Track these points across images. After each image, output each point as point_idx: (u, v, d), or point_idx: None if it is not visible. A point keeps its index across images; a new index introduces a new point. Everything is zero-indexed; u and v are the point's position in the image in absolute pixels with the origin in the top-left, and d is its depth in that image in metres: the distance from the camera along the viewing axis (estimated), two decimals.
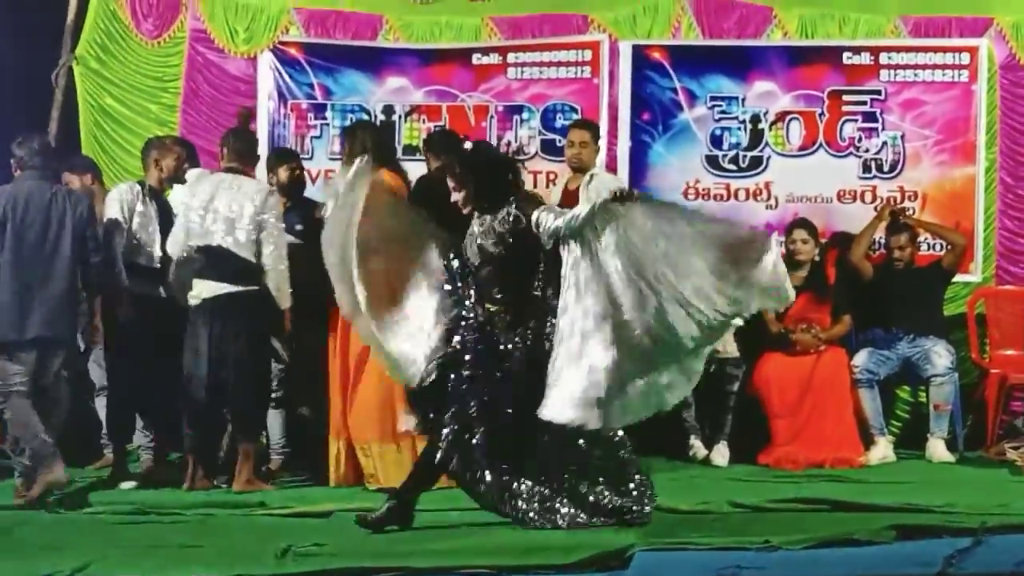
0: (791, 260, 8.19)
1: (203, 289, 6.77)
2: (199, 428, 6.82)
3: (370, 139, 6.99)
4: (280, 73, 9.08)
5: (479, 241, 5.57)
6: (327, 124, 9.05)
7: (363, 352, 6.62)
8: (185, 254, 6.83)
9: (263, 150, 8.68)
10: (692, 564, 4.65)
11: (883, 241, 8.51)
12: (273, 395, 7.28)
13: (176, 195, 7.16)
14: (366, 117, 8.94)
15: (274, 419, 7.41)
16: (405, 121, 9.05)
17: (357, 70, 9.11)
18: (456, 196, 5.67)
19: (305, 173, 8.07)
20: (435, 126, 8.96)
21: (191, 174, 7.14)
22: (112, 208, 7.03)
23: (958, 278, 8.57)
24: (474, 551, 4.91)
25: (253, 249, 6.76)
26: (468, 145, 5.84)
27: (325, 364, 6.96)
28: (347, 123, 8.90)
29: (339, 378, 6.82)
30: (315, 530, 5.37)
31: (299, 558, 4.78)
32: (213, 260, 6.75)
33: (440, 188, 7.60)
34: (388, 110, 9.07)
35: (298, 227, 7.40)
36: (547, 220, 5.42)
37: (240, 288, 6.75)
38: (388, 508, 5.45)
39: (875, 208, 8.61)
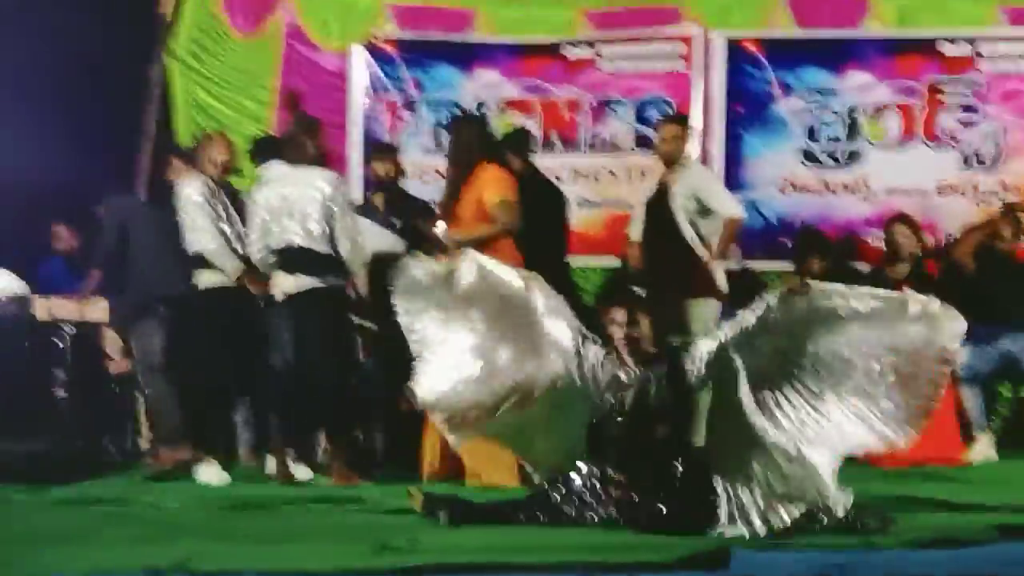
0: (893, 255, 8.10)
1: (285, 284, 6.80)
2: (287, 423, 6.85)
3: (475, 134, 6.96)
4: (373, 68, 9.11)
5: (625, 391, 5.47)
6: (420, 119, 9.06)
7: None
8: (262, 254, 6.87)
9: (358, 146, 8.81)
10: (792, 564, 4.57)
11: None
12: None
13: (252, 195, 7.14)
14: (458, 112, 8.95)
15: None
16: (498, 115, 9.03)
17: (449, 64, 9.13)
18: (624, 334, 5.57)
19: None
20: (527, 119, 8.94)
21: (265, 169, 7.13)
22: (196, 199, 7.06)
23: None
24: (571, 548, 4.88)
25: (327, 240, 6.77)
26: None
27: None
28: (440, 118, 8.95)
29: None
30: (410, 527, 5.35)
31: (395, 553, 4.77)
32: (290, 256, 6.78)
33: (529, 190, 7.69)
34: (480, 105, 9.06)
35: (393, 220, 7.43)
36: (700, 353, 5.32)
37: (321, 282, 6.77)
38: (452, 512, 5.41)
39: (978, 203, 8.47)
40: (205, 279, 7.04)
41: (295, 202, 6.78)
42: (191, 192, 7.05)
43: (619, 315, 5.62)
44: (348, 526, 5.52)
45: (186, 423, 7.21)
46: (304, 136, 6.99)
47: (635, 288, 7.41)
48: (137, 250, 7.58)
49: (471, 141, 6.90)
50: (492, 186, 6.81)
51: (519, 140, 8.08)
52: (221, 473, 6.96)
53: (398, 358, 7.19)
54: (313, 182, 6.82)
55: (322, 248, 6.76)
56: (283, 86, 9.11)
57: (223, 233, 7.00)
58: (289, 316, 6.81)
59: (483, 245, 6.61)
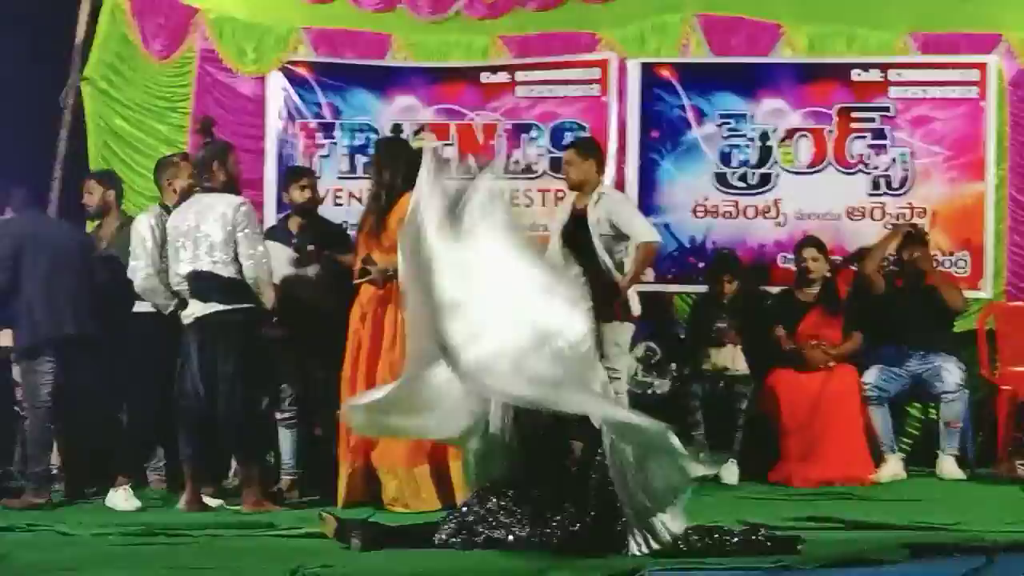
0: (803, 277, 8.22)
1: (195, 308, 6.79)
2: (194, 448, 6.82)
3: (403, 157, 6.98)
4: (289, 92, 9.09)
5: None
6: (335, 143, 9.05)
7: (387, 376, 6.64)
8: (175, 280, 6.85)
9: (274, 170, 8.79)
10: None
11: (894, 258, 8.48)
12: (285, 415, 7.28)
13: (169, 222, 7.08)
14: (375, 136, 8.97)
15: (285, 439, 7.41)
16: (413, 139, 9.04)
17: (366, 89, 9.12)
18: None
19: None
20: (443, 144, 8.97)
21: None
22: (142, 230, 7.04)
23: (969, 294, 8.56)
24: (486, 571, 4.90)
25: (236, 265, 6.76)
26: None
27: (338, 386, 6.94)
28: (356, 143, 8.96)
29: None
30: (323, 551, 5.33)
31: None
32: (200, 282, 6.77)
33: None
34: (396, 128, 9.07)
35: (310, 247, 7.42)
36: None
37: (229, 307, 6.75)
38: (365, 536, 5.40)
39: (886, 225, 8.62)
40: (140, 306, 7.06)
41: (201, 228, 6.76)
42: (139, 222, 7.09)
43: None
44: (260, 552, 5.48)
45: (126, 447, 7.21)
46: (214, 162, 6.95)
47: None
48: (28, 284, 7.21)
49: (398, 165, 6.91)
50: None
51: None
52: (131, 499, 6.92)
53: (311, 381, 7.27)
54: (217, 207, 6.81)
55: (228, 272, 6.74)
56: (197, 111, 9.05)
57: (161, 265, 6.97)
58: (196, 340, 6.77)
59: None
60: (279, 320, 7.09)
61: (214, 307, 6.75)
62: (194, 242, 6.77)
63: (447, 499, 6.57)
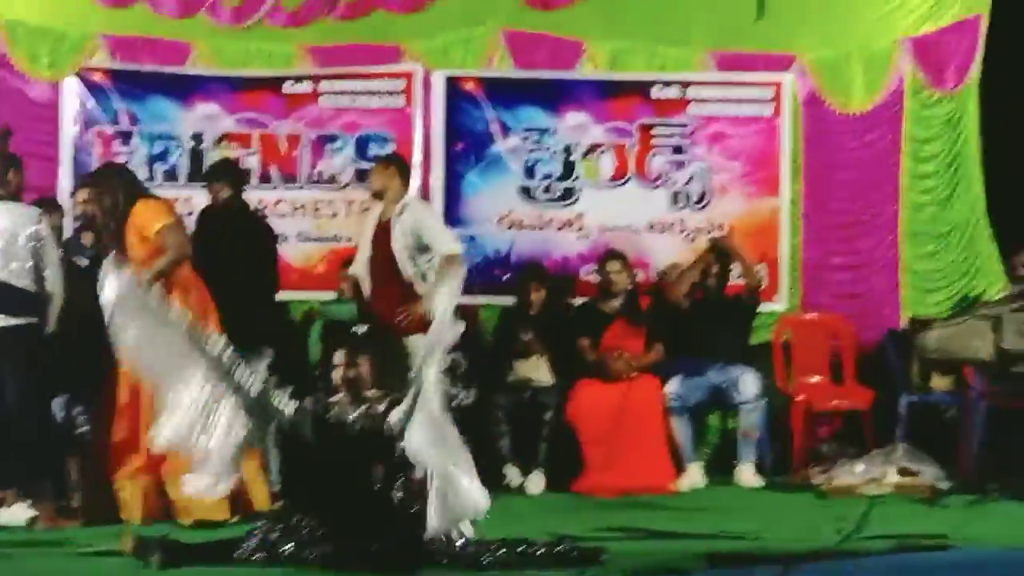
0: (606, 290, 8.33)
1: None
2: None
3: (119, 184, 6.88)
4: (84, 99, 8.85)
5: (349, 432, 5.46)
6: (132, 152, 8.84)
7: None
8: None
9: (67, 178, 8.55)
10: None
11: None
12: (82, 429, 7.06)
13: None
14: (174, 145, 8.81)
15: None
16: (215, 149, 8.90)
17: (165, 96, 8.94)
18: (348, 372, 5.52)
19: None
20: (246, 153, 8.85)
21: None
22: None
23: (765, 307, 8.78)
24: None
25: (31, 277, 6.56)
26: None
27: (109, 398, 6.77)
28: (155, 151, 8.78)
29: (140, 414, 6.64)
30: (120, 569, 5.20)
31: None
32: None
33: (230, 221, 7.66)
34: (197, 137, 8.92)
35: (88, 252, 7.24)
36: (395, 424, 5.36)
37: (18, 321, 6.55)
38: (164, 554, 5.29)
39: (687, 238, 8.81)
40: None
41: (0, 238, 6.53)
42: None
43: (339, 357, 5.59)
44: (55, 571, 5.32)
45: None
46: (9, 171, 6.74)
47: (354, 328, 7.41)
48: None
49: (115, 188, 6.82)
50: (148, 217, 6.74)
51: (224, 169, 7.99)
52: None
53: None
54: (20, 218, 6.60)
55: (24, 284, 6.53)
56: None
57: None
58: None
59: (165, 278, 6.59)
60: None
61: (3, 320, 6.51)
62: None
63: (236, 507, 6.50)
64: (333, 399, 5.54)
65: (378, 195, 7.74)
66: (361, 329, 7.07)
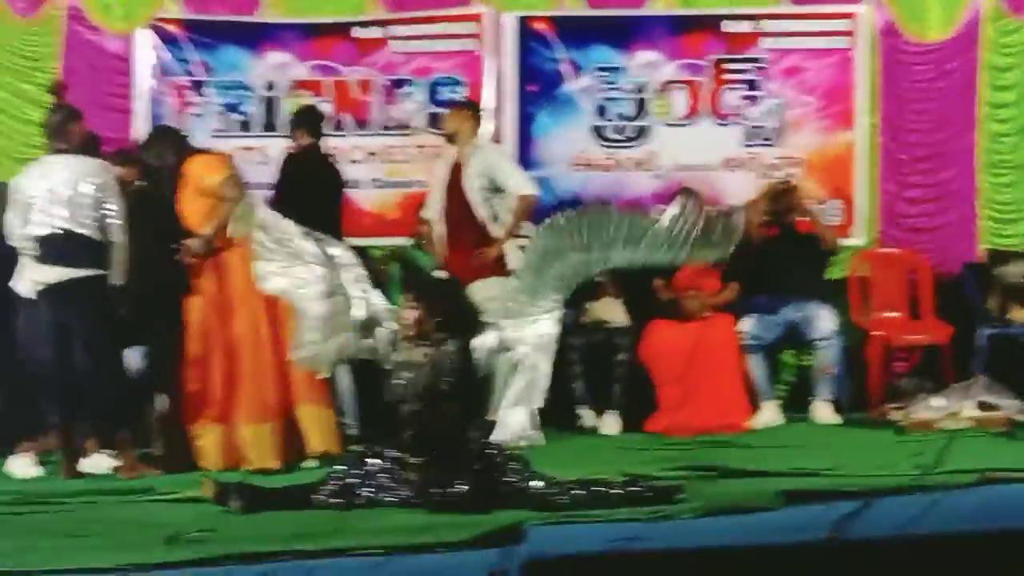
0: None
1: (48, 275, 6.62)
2: (64, 417, 6.69)
3: (168, 142, 7.00)
4: (158, 50, 8.93)
5: (415, 373, 5.50)
6: (207, 101, 8.91)
7: (243, 335, 6.70)
8: (22, 243, 6.70)
9: (144, 130, 8.63)
10: (586, 537, 4.64)
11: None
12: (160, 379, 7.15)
13: (14, 185, 6.88)
14: (247, 93, 8.87)
15: (161, 403, 7.28)
16: (288, 96, 8.95)
17: (237, 46, 9.02)
18: (410, 316, 5.55)
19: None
20: (319, 100, 8.89)
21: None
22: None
23: (842, 241, 8.68)
24: (369, 531, 4.88)
25: (96, 228, 6.65)
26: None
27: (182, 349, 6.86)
28: (230, 100, 8.84)
29: (220, 363, 6.74)
30: (204, 516, 5.29)
31: (188, 544, 4.71)
32: (55, 244, 6.61)
33: (308, 167, 7.71)
34: (270, 86, 8.97)
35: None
36: (484, 346, 5.48)
37: (86, 272, 6.63)
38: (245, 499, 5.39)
39: (762, 176, 8.72)
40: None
41: (63, 190, 6.61)
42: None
43: (407, 299, 5.63)
44: (139, 518, 5.42)
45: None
46: (69, 124, 6.81)
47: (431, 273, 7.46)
48: None
49: (164, 150, 6.91)
50: (206, 171, 6.82)
51: (306, 117, 8.04)
52: (30, 466, 6.79)
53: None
54: (82, 170, 6.68)
55: (92, 235, 6.62)
56: (64, 69, 8.87)
57: None
58: (52, 306, 6.62)
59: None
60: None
61: (71, 272, 6.60)
62: (56, 203, 6.61)
63: (288, 457, 6.64)
64: (400, 339, 5.58)
65: (451, 139, 7.75)
66: (441, 275, 7.18)
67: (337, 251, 5.77)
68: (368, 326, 5.62)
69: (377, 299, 5.70)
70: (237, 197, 6.73)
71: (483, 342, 5.47)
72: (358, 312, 5.61)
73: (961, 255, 8.93)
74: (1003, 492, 5.15)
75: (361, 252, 8.43)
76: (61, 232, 6.61)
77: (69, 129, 6.80)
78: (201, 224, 6.76)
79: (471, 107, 7.91)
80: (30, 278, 6.69)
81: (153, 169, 6.92)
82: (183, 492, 5.80)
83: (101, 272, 6.66)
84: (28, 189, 6.70)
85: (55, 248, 6.61)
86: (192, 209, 6.81)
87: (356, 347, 5.66)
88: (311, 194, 7.54)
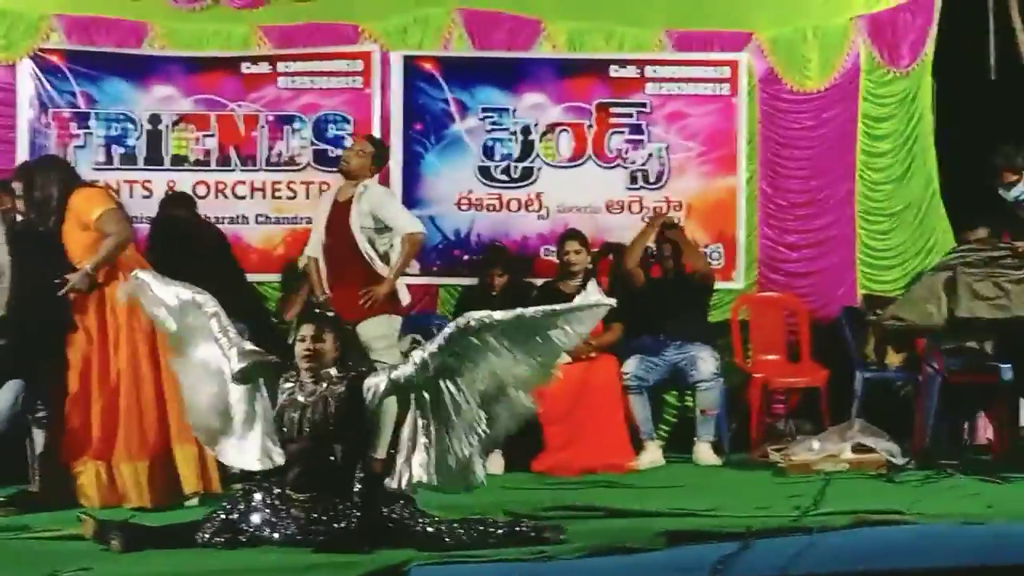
0: (565, 271, 8.37)
1: None
2: None
3: (48, 169, 6.87)
4: (41, 81, 8.80)
5: (303, 411, 5.49)
6: (91, 133, 8.81)
7: (124, 371, 6.60)
8: None
9: (24, 160, 8.49)
10: None
11: (651, 250, 8.69)
12: (39, 414, 7.01)
13: None
14: (131, 126, 8.79)
15: (39, 439, 7.13)
16: (173, 130, 8.88)
17: (122, 78, 8.90)
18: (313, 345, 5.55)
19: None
20: (204, 135, 8.83)
21: None
22: None
23: (722, 285, 8.86)
24: (251, 570, 4.85)
25: None
26: None
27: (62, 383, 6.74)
28: (112, 132, 8.75)
29: (100, 399, 6.64)
30: (82, 554, 5.20)
31: None
32: None
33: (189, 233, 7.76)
34: (155, 119, 8.89)
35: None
36: (377, 384, 5.42)
37: None
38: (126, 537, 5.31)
39: (644, 219, 8.84)
40: None
41: None
42: None
43: (307, 329, 5.61)
44: (15, 556, 5.32)
45: None
46: None
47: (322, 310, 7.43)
48: None
49: (46, 179, 6.76)
50: (89, 204, 6.69)
51: (182, 201, 8.27)
52: None
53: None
54: None
55: None
56: None
57: None
58: None
59: (112, 264, 6.61)
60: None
61: None
62: None
63: (157, 496, 6.53)
64: (293, 375, 5.56)
65: (349, 173, 7.68)
66: (329, 312, 7.14)
67: (201, 299, 5.72)
68: (245, 373, 5.55)
69: (250, 345, 5.64)
70: (119, 232, 6.66)
71: (374, 383, 5.44)
72: (235, 363, 5.53)
73: (839, 300, 9.12)
74: (878, 534, 5.26)
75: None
76: None
77: None
78: (83, 258, 6.67)
79: (374, 143, 7.88)
80: None
81: (38, 200, 6.79)
82: (62, 529, 5.69)
83: None
84: None
85: None
86: (75, 242, 6.71)
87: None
88: (201, 257, 7.51)
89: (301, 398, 5.50)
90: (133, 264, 6.69)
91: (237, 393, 5.56)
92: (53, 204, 6.72)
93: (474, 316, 5.27)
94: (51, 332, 6.71)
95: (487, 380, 5.33)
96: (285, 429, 5.47)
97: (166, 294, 5.78)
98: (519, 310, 5.35)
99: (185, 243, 7.90)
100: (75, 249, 6.70)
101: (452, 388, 5.30)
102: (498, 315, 5.30)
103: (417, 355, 5.32)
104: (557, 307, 5.48)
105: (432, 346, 5.30)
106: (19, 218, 6.89)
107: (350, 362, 5.69)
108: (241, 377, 5.50)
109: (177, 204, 8.41)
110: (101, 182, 7.40)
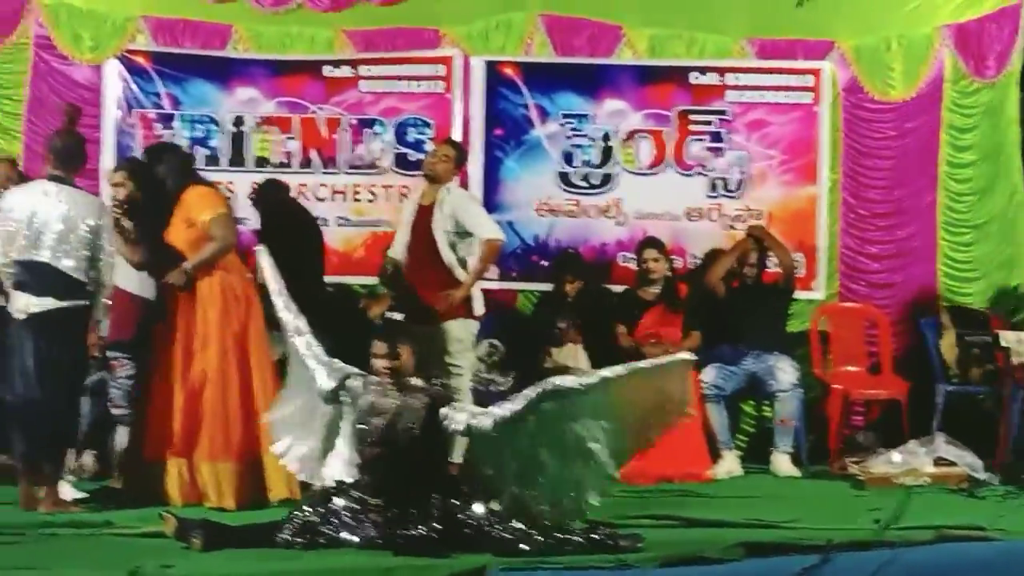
0: (644, 277, 8.35)
1: (28, 303, 6.51)
2: (28, 446, 6.60)
3: (173, 162, 6.92)
4: (127, 81, 8.92)
5: (385, 419, 5.53)
6: (174, 134, 8.90)
7: (202, 375, 6.65)
8: (6, 267, 6.58)
9: (110, 160, 8.61)
10: None
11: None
12: (121, 410, 7.08)
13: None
14: (215, 128, 8.89)
15: (122, 435, 7.20)
16: (255, 132, 8.96)
17: (206, 80, 9.00)
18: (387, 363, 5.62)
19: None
20: (286, 137, 8.91)
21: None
22: None
23: (802, 295, 8.79)
24: (329, 571, 4.88)
25: (83, 265, 6.50)
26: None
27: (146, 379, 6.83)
28: (197, 134, 8.84)
29: (184, 397, 6.69)
30: (163, 551, 5.25)
31: None
32: (38, 275, 6.48)
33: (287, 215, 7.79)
34: (238, 121, 8.97)
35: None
36: (455, 420, 5.44)
37: (67, 303, 6.50)
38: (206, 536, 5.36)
39: (724, 227, 8.82)
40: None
41: (56, 223, 6.47)
42: None
43: (380, 348, 5.64)
44: (99, 552, 5.38)
45: None
46: (76, 153, 6.71)
47: (393, 314, 7.48)
48: None
49: (168, 170, 6.84)
50: (201, 204, 6.75)
51: (274, 190, 8.28)
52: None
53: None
54: (80, 206, 6.53)
55: (72, 271, 6.49)
56: (32, 98, 8.85)
57: None
58: (30, 336, 6.52)
59: (210, 266, 6.65)
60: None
61: (52, 303, 6.50)
62: (35, 231, 6.52)
63: (244, 498, 6.57)
64: (373, 385, 5.60)
65: (432, 177, 7.71)
66: (396, 316, 7.18)
67: (286, 317, 5.95)
68: (334, 393, 5.66)
69: (338, 363, 5.74)
70: (226, 238, 6.71)
71: (451, 417, 5.45)
72: (323, 383, 5.67)
73: (920, 312, 9.02)
74: (960, 550, 5.21)
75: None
76: (42, 263, 6.48)
77: (74, 159, 6.69)
78: (183, 254, 6.72)
79: (456, 147, 7.92)
80: (10, 304, 6.60)
81: (154, 185, 6.83)
82: (143, 527, 5.75)
83: (82, 303, 6.54)
84: (16, 212, 6.56)
85: (34, 277, 6.51)
86: (176, 236, 6.76)
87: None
88: (291, 244, 7.51)
89: (384, 405, 5.53)
90: (231, 264, 6.75)
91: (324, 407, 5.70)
92: (170, 194, 6.76)
93: (557, 381, 5.26)
94: (147, 324, 6.79)
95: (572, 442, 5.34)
96: (366, 434, 5.50)
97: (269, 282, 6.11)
98: (603, 372, 5.34)
99: (295, 230, 7.88)
100: (174, 242, 6.75)
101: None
102: (584, 380, 5.29)
103: (498, 412, 5.32)
104: (641, 364, 5.48)
105: (516, 405, 5.29)
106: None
107: (430, 369, 5.73)
108: (331, 396, 5.61)
109: (279, 189, 8.34)
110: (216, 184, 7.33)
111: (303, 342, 5.84)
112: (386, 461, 5.47)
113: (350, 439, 5.61)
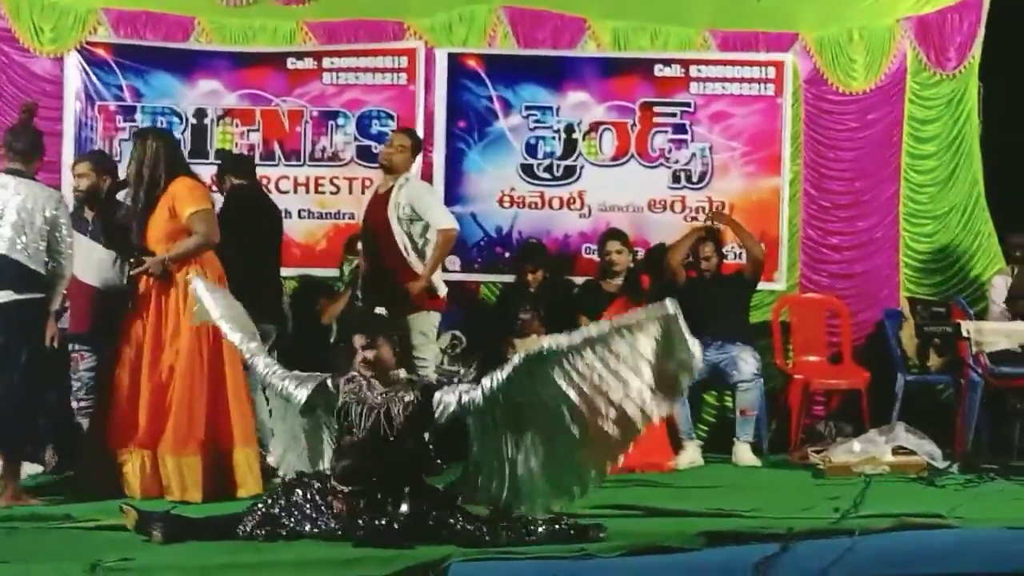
0: (607, 270, 8.37)
1: None
2: (7, 441, 6.56)
3: (162, 147, 6.83)
4: (87, 74, 8.88)
5: (372, 410, 5.50)
6: (136, 126, 8.85)
7: (171, 365, 6.61)
8: None
9: (70, 153, 8.57)
10: (509, 574, 4.66)
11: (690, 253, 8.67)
12: (82, 404, 7.07)
13: None
14: (177, 120, 8.85)
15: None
16: (218, 125, 8.93)
17: (168, 72, 8.97)
18: (368, 354, 5.56)
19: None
20: (248, 130, 8.87)
21: None
22: None
23: (764, 286, 8.83)
24: (289, 563, 4.87)
25: (41, 258, 6.48)
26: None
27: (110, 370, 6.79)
28: (158, 126, 8.79)
29: (151, 388, 6.66)
30: (124, 544, 5.23)
31: (108, 574, 4.67)
32: None
33: (248, 203, 7.69)
34: (200, 113, 8.94)
35: (100, 237, 7.20)
36: (448, 402, 5.38)
37: (25, 296, 6.47)
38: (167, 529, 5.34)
39: (686, 218, 8.85)
40: None
41: (11, 214, 6.43)
42: None
43: (359, 340, 5.62)
44: (59, 545, 5.36)
45: None
46: (33, 148, 6.68)
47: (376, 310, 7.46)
48: None
49: (157, 155, 6.77)
50: (187, 198, 6.70)
51: (241, 162, 8.09)
52: None
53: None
54: (37, 198, 6.50)
55: (30, 263, 6.48)
56: None
57: None
58: None
59: (186, 260, 6.62)
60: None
61: (10, 295, 6.45)
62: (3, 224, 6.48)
63: (210, 490, 6.54)
64: (352, 379, 5.58)
65: (387, 168, 7.69)
66: (382, 311, 7.15)
67: (236, 337, 5.92)
68: (310, 402, 5.63)
69: (301, 374, 5.71)
70: (207, 234, 6.67)
71: (444, 401, 5.42)
72: (299, 395, 5.63)
73: (881, 302, 9.08)
74: (919, 538, 5.23)
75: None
76: (5, 254, 6.43)
77: (31, 153, 6.66)
78: (157, 243, 6.68)
79: (411, 136, 7.90)
80: None
81: (139, 170, 6.75)
82: (104, 519, 5.73)
83: (39, 296, 6.49)
84: None
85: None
86: (155, 226, 6.71)
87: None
88: (250, 231, 7.46)
89: (371, 398, 5.51)
90: (207, 262, 6.70)
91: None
92: (156, 181, 6.72)
93: (544, 344, 5.11)
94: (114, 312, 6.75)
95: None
96: (347, 423, 5.49)
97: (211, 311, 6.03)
98: (584, 330, 5.02)
99: (254, 216, 7.73)
100: (153, 232, 6.71)
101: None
102: (564, 339, 5.05)
103: (487, 383, 5.25)
104: (624, 317, 5.07)
105: (503, 374, 5.20)
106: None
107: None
108: (306, 408, 5.62)
109: (244, 168, 8.03)
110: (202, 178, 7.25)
111: (261, 363, 5.77)
112: (363, 449, 5.44)
113: (334, 436, 5.61)
